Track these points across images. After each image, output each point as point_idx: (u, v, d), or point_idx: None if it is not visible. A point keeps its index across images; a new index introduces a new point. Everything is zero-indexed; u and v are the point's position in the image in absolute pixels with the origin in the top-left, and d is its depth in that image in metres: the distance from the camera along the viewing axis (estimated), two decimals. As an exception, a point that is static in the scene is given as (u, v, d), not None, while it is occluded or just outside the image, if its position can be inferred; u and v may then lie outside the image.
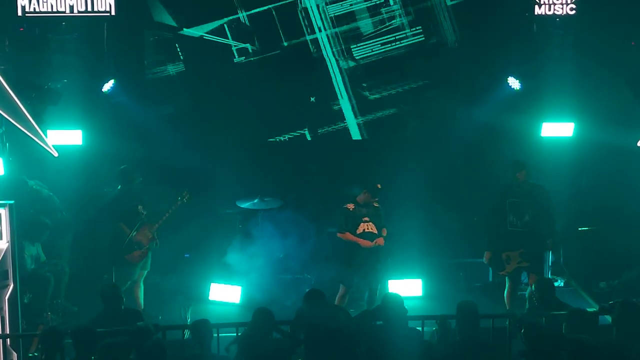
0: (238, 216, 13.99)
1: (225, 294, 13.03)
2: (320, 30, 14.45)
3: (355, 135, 15.03)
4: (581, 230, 12.44)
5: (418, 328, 9.52)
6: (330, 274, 12.33)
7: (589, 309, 11.28)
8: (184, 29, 14.37)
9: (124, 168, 12.24)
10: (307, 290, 9.99)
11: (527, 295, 11.81)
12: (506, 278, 12.01)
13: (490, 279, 13.64)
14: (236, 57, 14.52)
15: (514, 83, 13.79)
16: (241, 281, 13.05)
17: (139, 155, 13.21)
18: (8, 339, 9.69)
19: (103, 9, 12.76)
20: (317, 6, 14.35)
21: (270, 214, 13.68)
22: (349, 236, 11.69)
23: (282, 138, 15.08)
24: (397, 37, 14.59)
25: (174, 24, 14.33)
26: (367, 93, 14.91)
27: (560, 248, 13.52)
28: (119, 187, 12.26)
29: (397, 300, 9.25)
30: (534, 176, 12.26)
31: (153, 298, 12.70)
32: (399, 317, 9.09)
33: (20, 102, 10.21)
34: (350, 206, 11.76)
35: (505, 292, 12.05)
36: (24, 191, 12.54)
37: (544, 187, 12.03)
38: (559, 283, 13.52)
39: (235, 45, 14.49)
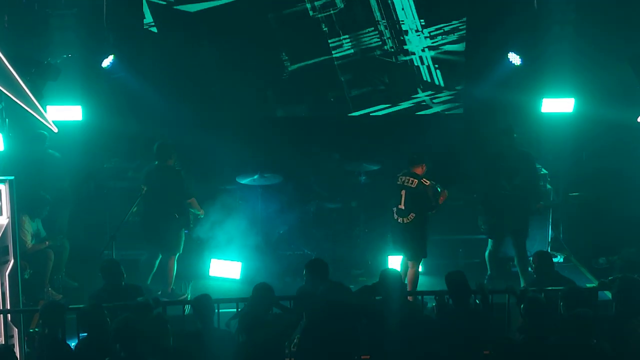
0: (238, 192, 13.99)
1: (225, 270, 13.05)
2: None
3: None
4: (572, 195, 12.70)
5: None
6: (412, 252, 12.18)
7: (588, 285, 11.35)
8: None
9: (161, 144, 12.17)
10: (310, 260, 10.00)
11: (515, 263, 12.33)
12: (490, 239, 12.54)
13: (489, 255, 13.69)
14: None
15: (514, 58, 13.76)
16: (241, 257, 13.08)
17: (138, 131, 13.22)
18: (9, 315, 9.72)
19: (102, -15, 12.76)
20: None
21: (270, 190, 13.68)
22: (445, 194, 11.92)
23: (281, 114, 15.11)
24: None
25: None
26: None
27: (549, 213, 13.50)
28: (156, 162, 12.14)
29: (395, 275, 9.30)
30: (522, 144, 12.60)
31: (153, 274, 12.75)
32: (398, 292, 9.13)
33: (20, 77, 10.17)
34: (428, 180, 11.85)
35: (488, 251, 12.58)
36: (42, 146, 12.63)
37: (530, 153, 12.47)
38: (559, 259, 13.55)
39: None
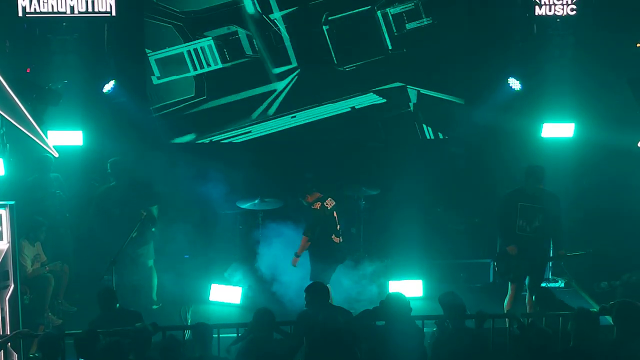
0: (238, 217, 13.99)
1: (225, 294, 13.02)
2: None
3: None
4: (570, 255, 12.20)
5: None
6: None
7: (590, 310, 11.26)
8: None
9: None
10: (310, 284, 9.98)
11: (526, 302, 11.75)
12: (509, 283, 11.76)
13: (491, 279, 13.64)
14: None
15: (514, 84, 13.80)
16: (242, 282, 13.05)
17: (137, 156, 13.22)
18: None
19: (103, 10, 12.78)
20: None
21: (271, 214, 13.67)
22: None
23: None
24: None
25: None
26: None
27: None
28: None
29: (402, 299, 9.21)
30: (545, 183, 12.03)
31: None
32: (403, 317, 9.07)
33: (21, 102, 10.21)
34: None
35: (507, 298, 11.77)
36: (47, 169, 12.68)
37: (556, 195, 11.71)
38: (560, 284, 13.53)
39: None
